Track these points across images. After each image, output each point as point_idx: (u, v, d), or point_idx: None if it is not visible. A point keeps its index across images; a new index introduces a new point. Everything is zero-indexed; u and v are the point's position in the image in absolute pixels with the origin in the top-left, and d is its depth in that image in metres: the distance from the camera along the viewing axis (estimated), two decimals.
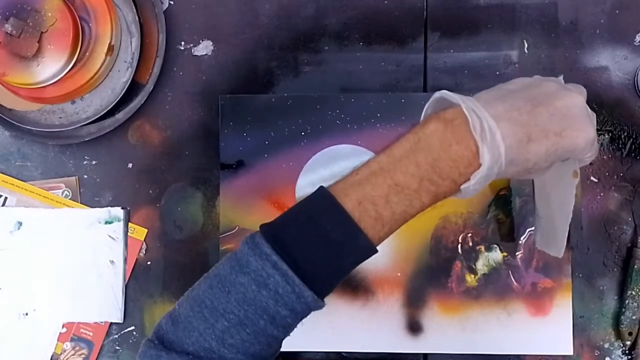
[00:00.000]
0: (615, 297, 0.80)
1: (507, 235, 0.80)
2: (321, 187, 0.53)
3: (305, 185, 0.81)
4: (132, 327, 0.83)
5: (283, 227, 0.52)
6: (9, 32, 0.76)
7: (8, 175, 0.84)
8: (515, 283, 0.79)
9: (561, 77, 0.58)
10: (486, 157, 0.50)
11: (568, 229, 0.66)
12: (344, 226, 0.51)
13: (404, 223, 0.53)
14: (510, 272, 0.79)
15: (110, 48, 0.80)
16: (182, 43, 0.84)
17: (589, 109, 0.55)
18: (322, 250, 0.51)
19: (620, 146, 0.80)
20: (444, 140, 0.50)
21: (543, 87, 0.54)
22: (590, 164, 0.79)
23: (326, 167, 0.81)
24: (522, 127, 0.51)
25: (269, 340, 0.52)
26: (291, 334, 0.76)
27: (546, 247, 0.71)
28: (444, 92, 0.53)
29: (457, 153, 0.50)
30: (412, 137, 0.52)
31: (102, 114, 0.81)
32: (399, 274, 0.80)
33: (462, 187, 0.51)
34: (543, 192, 0.69)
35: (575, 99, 0.53)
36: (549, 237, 0.70)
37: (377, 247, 0.52)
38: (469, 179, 0.51)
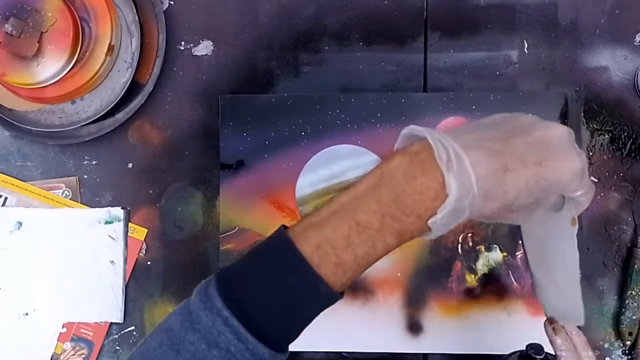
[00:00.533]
0: (615, 297, 0.80)
1: (506, 237, 0.79)
2: (281, 227, 0.49)
3: (305, 185, 0.81)
4: (132, 327, 0.83)
5: (238, 276, 0.49)
6: (9, 32, 0.76)
7: (8, 175, 0.84)
8: (515, 283, 0.79)
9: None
10: (453, 187, 0.45)
11: (580, 287, 0.56)
12: (301, 273, 0.47)
13: (368, 267, 0.49)
14: (510, 272, 0.79)
15: (110, 48, 0.80)
16: (182, 43, 0.84)
17: (574, 143, 0.49)
18: (278, 301, 0.47)
19: (620, 146, 0.80)
20: (408, 173, 0.46)
21: (521, 120, 0.50)
22: (590, 163, 0.79)
23: (326, 167, 0.81)
24: (496, 155, 0.46)
25: None
26: None
27: (560, 315, 0.60)
28: (412, 127, 0.49)
29: (423, 185, 0.46)
30: (376, 173, 0.48)
31: (102, 114, 0.81)
32: (398, 274, 0.80)
33: (429, 222, 0.46)
34: (539, 256, 0.59)
35: (558, 129, 0.49)
36: (558, 301, 0.59)
37: (343, 290, 0.49)
38: (435, 214, 0.46)
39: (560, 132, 0.48)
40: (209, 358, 0.47)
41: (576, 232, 0.54)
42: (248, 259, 0.50)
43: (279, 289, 0.47)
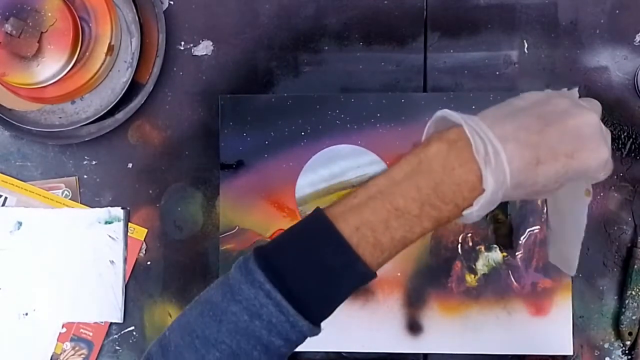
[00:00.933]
0: (615, 297, 0.80)
1: (505, 237, 0.79)
2: (318, 209, 0.50)
3: (305, 185, 0.81)
4: (132, 327, 0.83)
5: (277, 253, 0.50)
6: (9, 32, 0.76)
7: (8, 175, 0.84)
8: (515, 283, 0.79)
9: (575, 90, 0.53)
10: (490, 182, 0.47)
11: (580, 247, 0.61)
12: (341, 253, 0.48)
13: (403, 249, 0.51)
14: (510, 272, 0.79)
15: (110, 48, 0.80)
16: (182, 43, 0.84)
17: (603, 127, 0.51)
18: (317, 277, 0.49)
19: (620, 146, 0.80)
20: (446, 163, 0.48)
21: (554, 103, 0.50)
22: None
23: (326, 167, 0.81)
24: (530, 149, 0.47)
25: None
26: None
27: (559, 262, 0.66)
28: (446, 111, 0.50)
29: (461, 177, 0.47)
30: (413, 159, 0.49)
31: (102, 114, 0.81)
32: (399, 274, 0.80)
33: (464, 213, 0.49)
34: (555, 207, 0.64)
35: (589, 117, 0.49)
36: (561, 252, 0.65)
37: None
38: (472, 204, 0.48)
39: (592, 122, 0.49)
40: (251, 328, 0.48)
41: (589, 201, 0.57)
42: (286, 238, 0.51)
43: (318, 265, 0.49)
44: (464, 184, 0.47)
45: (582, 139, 0.49)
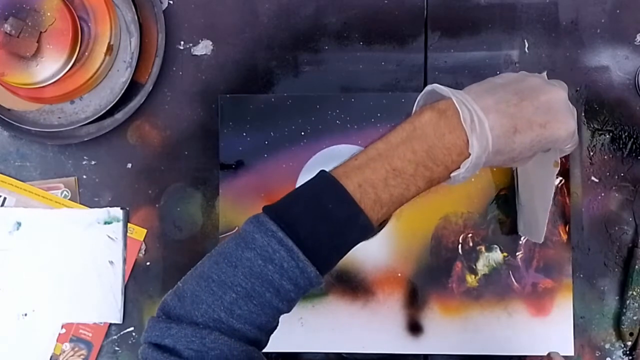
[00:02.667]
0: (616, 298, 0.79)
1: (506, 237, 0.80)
2: (322, 170, 0.56)
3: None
4: (132, 328, 0.83)
5: (286, 207, 0.55)
6: (8, 32, 0.76)
7: (7, 176, 0.84)
8: (515, 283, 0.79)
9: (544, 74, 0.61)
10: (475, 147, 0.54)
11: (548, 215, 0.70)
12: (346, 206, 0.53)
13: (399, 206, 0.56)
14: (510, 272, 0.79)
15: (110, 48, 0.79)
16: (182, 43, 0.83)
17: (570, 104, 0.58)
18: (325, 227, 0.53)
19: (621, 146, 0.80)
20: (438, 129, 0.54)
21: (528, 81, 0.58)
22: (591, 163, 0.79)
23: (326, 167, 0.80)
24: (509, 119, 0.54)
25: (273, 313, 0.54)
26: (291, 334, 0.76)
27: (528, 233, 0.76)
28: (435, 86, 0.57)
29: (450, 141, 0.54)
30: (408, 126, 0.55)
31: (101, 114, 0.81)
32: (399, 275, 0.80)
33: (452, 174, 0.55)
34: (526, 182, 0.73)
35: (558, 93, 0.57)
36: (530, 224, 0.74)
37: (376, 236, 0.56)
38: (459, 167, 0.55)
39: (561, 96, 0.57)
40: (265, 272, 0.52)
41: (557, 172, 0.65)
42: (293, 195, 0.56)
43: (326, 217, 0.53)
44: (453, 148, 0.54)
45: (553, 111, 0.56)
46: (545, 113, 0.56)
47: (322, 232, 0.53)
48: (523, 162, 0.60)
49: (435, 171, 0.55)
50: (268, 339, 0.57)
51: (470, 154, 0.54)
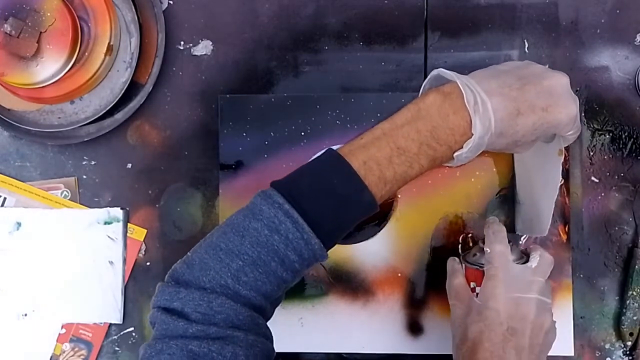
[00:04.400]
0: (616, 298, 0.79)
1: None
2: (329, 148, 0.57)
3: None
4: (132, 328, 0.83)
5: (293, 182, 0.56)
6: (8, 32, 0.76)
7: (7, 176, 0.84)
8: None
9: (547, 66, 0.64)
10: (478, 127, 0.56)
11: (553, 207, 0.70)
12: (350, 181, 0.55)
13: (403, 184, 0.58)
14: None
15: (110, 48, 0.79)
16: (182, 43, 0.83)
17: (572, 91, 0.60)
18: (329, 202, 0.55)
19: (621, 146, 0.80)
20: (442, 110, 0.56)
21: (531, 68, 0.60)
22: (591, 163, 0.79)
23: None
24: (512, 101, 0.56)
25: (278, 282, 0.55)
26: (291, 334, 0.76)
27: (529, 230, 0.76)
28: (441, 70, 0.59)
29: (454, 122, 0.56)
30: (413, 107, 0.57)
31: (101, 114, 0.81)
32: (399, 275, 0.80)
33: (455, 154, 0.57)
34: (526, 177, 0.74)
35: (560, 79, 0.59)
36: (531, 220, 0.74)
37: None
38: (462, 147, 0.57)
39: (563, 82, 0.59)
40: (271, 242, 0.54)
41: (562, 161, 0.67)
42: (299, 172, 0.57)
43: (331, 192, 0.55)
44: (457, 129, 0.56)
45: (555, 96, 0.58)
46: (548, 97, 0.57)
47: (326, 206, 0.55)
48: (525, 147, 0.62)
49: (439, 150, 0.56)
50: (273, 311, 0.59)
51: (473, 135, 0.56)
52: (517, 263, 0.68)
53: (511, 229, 0.79)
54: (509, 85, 0.57)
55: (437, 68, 0.61)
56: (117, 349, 0.83)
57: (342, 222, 0.57)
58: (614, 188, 0.80)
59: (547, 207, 0.71)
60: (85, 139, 0.82)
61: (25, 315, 0.83)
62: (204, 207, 0.83)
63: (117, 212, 0.82)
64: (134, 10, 0.81)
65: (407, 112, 0.57)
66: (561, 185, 0.79)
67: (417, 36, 0.81)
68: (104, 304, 0.82)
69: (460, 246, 0.79)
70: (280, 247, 0.54)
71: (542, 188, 0.71)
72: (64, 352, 0.83)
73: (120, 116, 0.82)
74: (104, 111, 0.81)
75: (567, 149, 0.76)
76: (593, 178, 0.80)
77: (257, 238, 0.54)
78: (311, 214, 0.54)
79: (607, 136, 0.80)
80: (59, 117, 0.83)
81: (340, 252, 0.80)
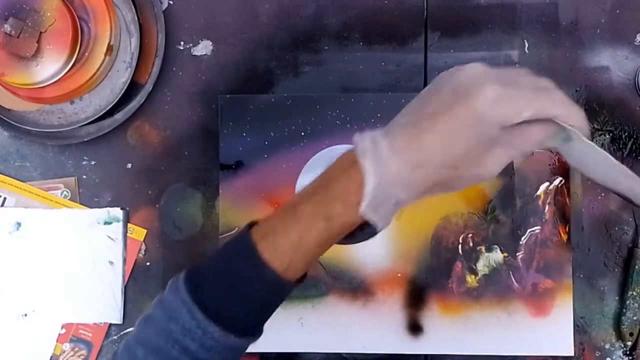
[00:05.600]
0: (616, 298, 0.79)
1: (506, 237, 0.79)
2: (251, 222, 0.54)
3: (305, 185, 0.81)
4: (132, 328, 0.83)
5: (202, 265, 0.54)
6: (8, 32, 0.76)
7: (7, 176, 0.84)
8: (515, 284, 0.79)
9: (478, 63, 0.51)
10: (368, 169, 0.48)
11: (630, 173, 0.58)
12: (249, 259, 0.51)
13: (309, 256, 0.51)
14: (510, 272, 0.79)
15: (110, 48, 0.79)
16: (182, 43, 0.83)
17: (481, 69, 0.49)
18: (230, 284, 0.52)
19: (621, 146, 0.80)
20: (340, 166, 0.51)
21: (441, 93, 0.50)
22: None
23: (326, 167, 0.80)
24: (413, 126, 0.49)
25: None
26: (291, 334, 0.75)
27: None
28: (357, 134, 0.51)
29: (350, 176, 0.49)
30: (323, 173, 0.52)
31: (101, 114, 0.81)
32: (399, 275, 0.80)
33: (361, 209, 0.48)
34: (592, 173, 0.59)
35: (467, 109, 0.47)
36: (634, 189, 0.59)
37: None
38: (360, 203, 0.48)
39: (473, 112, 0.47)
40: (169, 330, 0.52)
41: (593, 141, 0.54)
42: (212, 253, 0.55)
43: (229, 273, 0.52)
44: (353, 182, 0.48)
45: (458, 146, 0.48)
46: (450, 149, 0.47)
47: (227, 290, 0.52)
48: (477, 163, 0.49)
49: (334, 207, 0.49)
50: None
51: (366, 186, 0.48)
52: None
53: (511, 229, 0.79)
54: (411, 114, 0.50)
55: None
56: (117, 349, 0.83)
57: (246, 305, 0.52)
58: None
59: (626, 181, 0.58)
60: (85, 139, 0.82)
61: (25, 315, 0.83)
62: (204, 207, 0.83)
63: (117, 212, 0.82)
64: (134, 10, 0.81)
65: (317, 178, 0.52)
66: (561, 186, 0.79)
67: (417, 36, 0.81)
68: (104, 304, 0.82)
69: (460, 246, 0.79)
70: (179, 336, 0.51)
71: (605, 175, 0.59)
72: (64, 352, 0.83)
73: (120, 116, 0.82)
74: (104, 111, 0.81)
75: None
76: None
77: (159, 326, 0.52)
78: (210, 300, 0.51)
79: (607, 136, 0.80)
80: (59, 117, 0.83)
81: (340, 252, 0.80)
